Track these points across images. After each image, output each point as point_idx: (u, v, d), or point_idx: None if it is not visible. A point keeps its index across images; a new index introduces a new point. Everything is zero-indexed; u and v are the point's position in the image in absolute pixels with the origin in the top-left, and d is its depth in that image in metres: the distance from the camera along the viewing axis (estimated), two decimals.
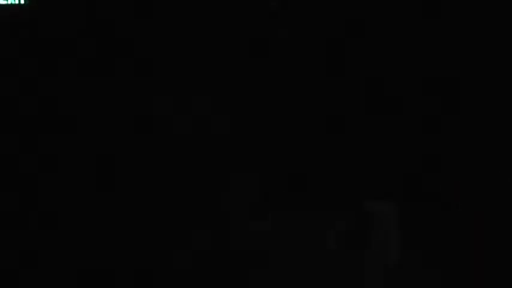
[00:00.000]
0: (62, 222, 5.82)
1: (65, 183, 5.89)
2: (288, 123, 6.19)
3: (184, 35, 6.14)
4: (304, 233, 5.91)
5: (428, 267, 5.82)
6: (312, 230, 5.92)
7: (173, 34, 6.12)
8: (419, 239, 5.92)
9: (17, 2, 5.93)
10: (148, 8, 6.09)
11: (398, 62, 6.21)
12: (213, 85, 6.16)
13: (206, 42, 6.13)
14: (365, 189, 6.10)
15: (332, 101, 6.23)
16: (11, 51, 5.94)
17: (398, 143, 6.18)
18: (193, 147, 6.05)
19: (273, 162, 6.14)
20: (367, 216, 5.75)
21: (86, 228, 5.82)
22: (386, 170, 6.16)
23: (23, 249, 5.74)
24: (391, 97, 6.21)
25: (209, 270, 5.73)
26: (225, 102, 6.14)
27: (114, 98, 6.02)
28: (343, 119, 6.21)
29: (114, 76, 6.03)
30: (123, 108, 6.03)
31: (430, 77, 6.22)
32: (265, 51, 6.21)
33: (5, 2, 5.93)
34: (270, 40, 6.21)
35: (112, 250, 5.78)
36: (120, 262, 5.74)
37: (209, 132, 6.08)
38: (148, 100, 6.06)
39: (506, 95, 6.17)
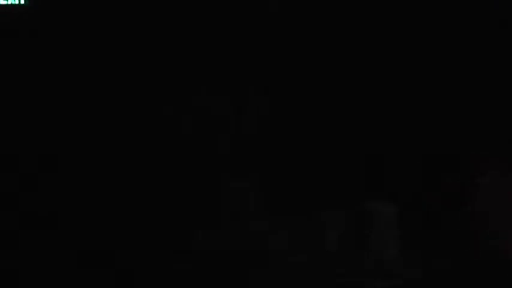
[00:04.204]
0: (63, 222, 5.82)
1: (65, 183, 5.90)
2: (288, 123, 6.20)
3: (183, 35, 6.14)
4: (304, 233, 5.92)
5: (428, 267, 5.82)
6: (311, 230, 5.92)
7: (172, 34, 6.13)
8: (419, 239, 5.93)
9: (17, 2, 5.94)
10: (148, 8, 6.09)
11: (398, 62, 6.22)
12: (214, 86, 6.16)
13: (206, 43, 6.14)
14: (365, 189, 6.11)
15: (332, 102, 6.23)
16: (11, 51, 5.94)
17: (398, 143, 6.19)
18: (194, 150, 6.06)
19: (273, 162, 6.15)
20: (367, 216, 5.76)
21: (86, 227, 5.83)
22: (386, 170, 6.16)
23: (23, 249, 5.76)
24: (391, 97, 6.22)
25: (209, 270, 5.73)
26: (225, 104, 6.15)
27: (114, 97, 6.02)
28: (343, 119, 6.22)
29: (114, 76, 6.04)
30: (124, 108, 6.03)
31: (430, 78, 6.22)
32: (265, 52, 6.21)
33: (5, 2, 5.94)
34: (270, 41, 6.21)
35: (113, 250, 5.78)
36: (121, 262, 5.75)
37: (210, 133, 6.09)
38: (151, 102, 6.06)
39: (506, 95, 6.18)
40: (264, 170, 6.12)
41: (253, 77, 6.19)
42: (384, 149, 6.21)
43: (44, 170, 5.90)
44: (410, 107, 6.24)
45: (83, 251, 5.77)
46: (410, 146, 6.20)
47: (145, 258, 5.76)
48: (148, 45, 6.09)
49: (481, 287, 5.69)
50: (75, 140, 5.97)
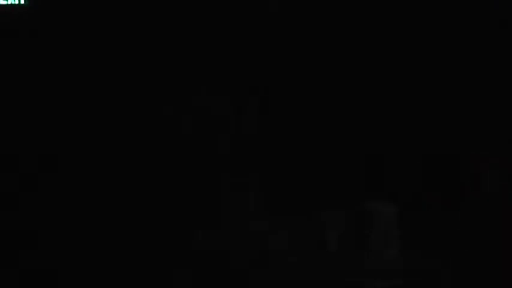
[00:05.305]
0: (62, 223, 5.83)
1: (65, 183, 5.90)
2: (288, 123, 6.20)
3: (183, 36, 6.14)
4: (304, 233, 5.92)
5: (428, 266, 5.82)
6: (311, 230, 5.93)
7: (172, 34, 6.13)
8: (419, 239, 5.93)
9: (17, 2, 5.94)
10: (148, 8, 6.09)
11: (398, 62, 6.22)
12: (214, 86, 6.16)
13: (206, 43, 6.14)
14: (365, 189, 6.11)
15: (332, 102, 6.23)
16: (11, 51, 5.94)
17: (398, 143, 6.19)
18: (194, 149, 6.06)
19: (273, 162, 6.15)
20: (367, 216, 5.76)
21: (86, 227, 5.83)
22: (386, 170, 6.16)
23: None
24: (391, 97, 6.22)
25: (209, 270, 5.74)
26: (225, 104, 6.15)
27: (115, 97, 6.03)
28: (343, 119, 6.22)
29: (114, 76, 6.04)
30: (125, 108, 6.04)
31: (430, 78, 6.22)
32: (265, 53, 6.22)
33: (5, 2, 5.94)
34: (270, 41, 6.21)
35: (114, 250, 5.79)
36: (121, 261, 5.75)
37: (210, 133, 6.09)
38: (152, 102, 6.06)
39: (506, 95, 6.18)
40: (264, 170, 6.12)
41: (253, 77, 6.19)
42: (384, 149, 6.21)
43: (44, 170, 5.90)
44: (410, 107, 6.24)
45: (83, 251, 5.78)
46: (410, 146, 6.20)
47: (145, 257, 5.76)
48: (148, 45, 6.09)
49: (481, 286, 5.69)
50: (75, 140, 5.97)
